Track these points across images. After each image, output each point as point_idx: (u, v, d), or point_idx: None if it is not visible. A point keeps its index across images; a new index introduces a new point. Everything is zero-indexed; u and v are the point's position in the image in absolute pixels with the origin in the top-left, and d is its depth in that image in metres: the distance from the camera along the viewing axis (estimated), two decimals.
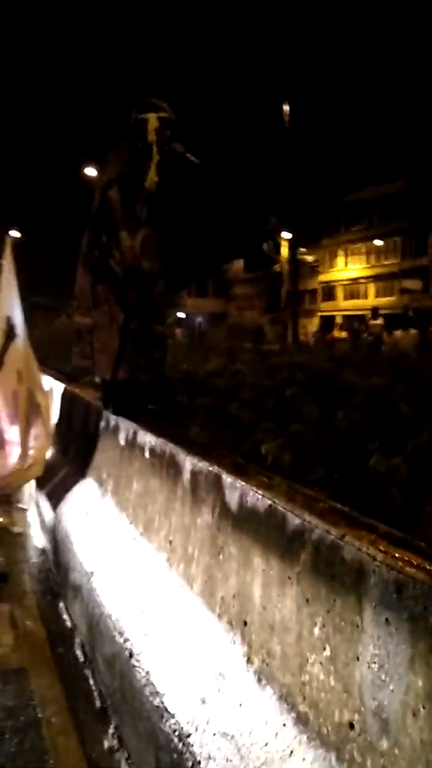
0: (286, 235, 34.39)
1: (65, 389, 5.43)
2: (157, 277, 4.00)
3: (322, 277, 45.61)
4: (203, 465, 2.52)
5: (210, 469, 2.46)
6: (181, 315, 47.34)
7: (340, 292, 45.06)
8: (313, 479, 3.47)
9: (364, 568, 1.54)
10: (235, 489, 2.24)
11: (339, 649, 1.62)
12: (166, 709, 2.22)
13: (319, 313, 44.05)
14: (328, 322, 40.19)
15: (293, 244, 32.73)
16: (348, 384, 5.29)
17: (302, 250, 38.29)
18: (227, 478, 2.31)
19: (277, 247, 38.96)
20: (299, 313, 32.63)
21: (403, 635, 1.40)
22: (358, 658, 1.54)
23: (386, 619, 1.46)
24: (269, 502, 2.01)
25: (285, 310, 33.22)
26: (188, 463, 2.68)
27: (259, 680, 1.96)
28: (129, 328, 3.81)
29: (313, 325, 40.63)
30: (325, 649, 1.67)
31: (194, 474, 2.61)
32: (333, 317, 42.04)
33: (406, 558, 1.48)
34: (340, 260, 45.49)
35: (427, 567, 1.42)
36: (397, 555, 1.50)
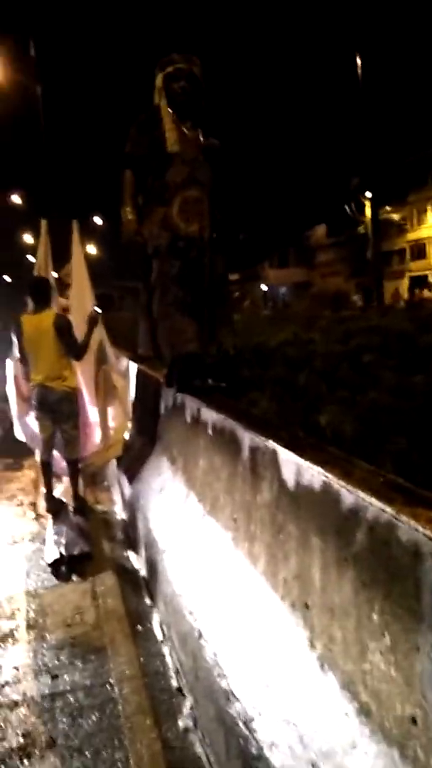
0: (369, 194, 33.00)
1: (138, 369, 5.45)
2: (206, 241, 3.84)
3: (411, 236, 43.46)
4: (260, 440, 2.41)
5: (266, 444, 2.34)
6: (263, 287, 46.90)
7: (431, 250, 42.82)
8: (392, 450, 3.27)
9: (420, 550, 1.39)
10: (291, 465, 2.12)
11: (398, 637, 1.48)
12: (232, 693, 2.16)
13: (409, 274, 42.12)
14: (418, 282, 38.37)
15: (375, 203, 31.33)
16: (429, 346, 4.95)
17: (387, 208, 36.62)
18: (283, 454, 2.19)
19: (361, 207, 37.45)
20: (386, 275, 31.36)
21: None
22: (418, 649, 1.40)
23: None
24: (323, 478, 1.87)
25: (371, 274, 32.06)
26: (247, 438, 2.57)
27: (322, 666, 1.85)
28: (176, 301, 3.74)
29: (403, 287, 38.95)
30: (384, 636, 1.54)
31: (252, 450, 2.51)
32: (425, 277, 40.06)
33: None
34: (430, 215, 43.13)
35: None
36: None
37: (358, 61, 25.75)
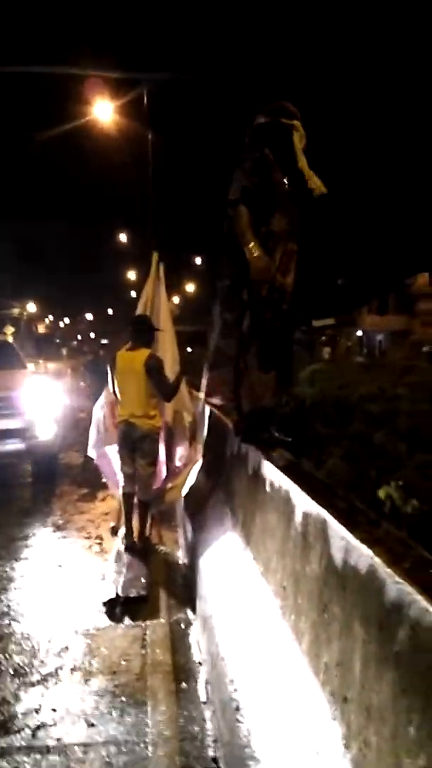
0: None
1: (212, 412, 5.42)
2: (290, 296, 3.72)
3: None
4: (313, 507, 2.27)
5: (318, 512, 2.19)
6: (359, 333, 46.12)
7: None
8: None
9: None
10: (340, 539, 1.96)
11: None
12: None
13: None
14: None
15: None
16: None
17: None
18: (333, 526, 2.04)
19: None
20: None
21: None
22: None
23: None
24: (370, 560, 1.71)
25: None
26: (300, 502, 2.43)
27: None
28: (262, 351, 3.63)
29: None
30: (419, 756, 1.35)
31: (305, 516, 2.36)
32: None
33: None
34: None
35: None
36: None
37: None
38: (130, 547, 4.99)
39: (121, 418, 5.06)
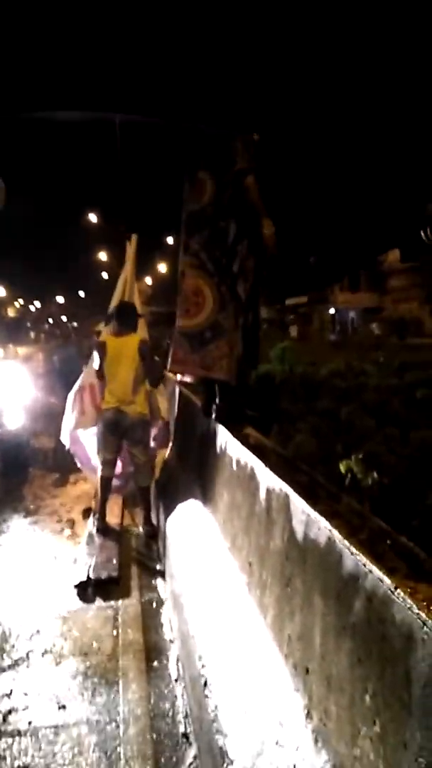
0: None
1: (180, 392, 5.38)
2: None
3: None
4: (276, 482, 2.26)
5: (281, 487, 2.19)
6: (332, 311, 46.31)
7: None
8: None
9: (413, 635, 1.22)
10: (301, 514, 1.96)
11: (388, 727, 1.31)
12: (227, 753, 2.01)
13: None
14: None
15: None
16: None
17: None
18: (295, 500, 2.04)
19: None
20: None
21: None
22: (405, 746, 1.22)
23: None
24: (328, 533, 1.71)
25: None
26: (264, 478, 2.43)
27: (316, 741, 1.68)
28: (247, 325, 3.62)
29: None
30: (375, 723, 1.36)
31: (268, 492, 2.36)
32: None
33: None
34: None
35: None
36: None
37: None
38: (102, 530, 4.98)
39: (110, 405, 5.02)
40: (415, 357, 6.18)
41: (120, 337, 5.11)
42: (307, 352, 9.70)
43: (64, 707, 2.98)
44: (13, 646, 3.51)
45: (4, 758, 2.66)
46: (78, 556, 4.70)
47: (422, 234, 38.42)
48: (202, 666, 2.54)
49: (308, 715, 1.76)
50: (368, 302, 43.67)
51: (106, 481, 5.16)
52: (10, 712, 2.95)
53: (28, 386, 8.20)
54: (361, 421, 4.10)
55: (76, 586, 4.16)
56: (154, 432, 5.44)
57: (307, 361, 7.45)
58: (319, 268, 47.28)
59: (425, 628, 1.17)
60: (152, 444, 5.40)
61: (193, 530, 3.73)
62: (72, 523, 5.57)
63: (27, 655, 3.42)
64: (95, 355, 5.25)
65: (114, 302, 5.69)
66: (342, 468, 2.38)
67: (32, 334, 21.89)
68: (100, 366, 5.12)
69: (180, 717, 2.88)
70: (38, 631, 3.66)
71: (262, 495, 2.44)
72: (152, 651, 3.46)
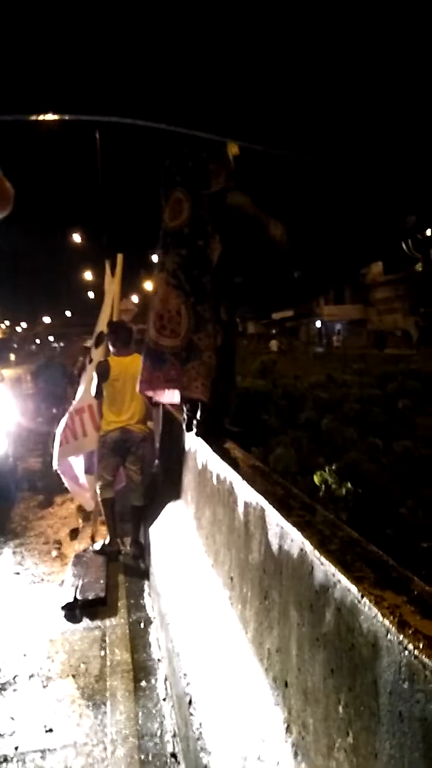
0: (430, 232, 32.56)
1: (165, 409, 5.39)
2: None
3: None
4: (253, 495, 2.28)
5: (257, 501, 2.21)
6: (318, 324, 46.59)
7: None
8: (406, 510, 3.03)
9: (378, 643, 1.23)
10: (276, 526, 1.98)
11: (360, 738, 1.31)
12: None
13: None
14: None
15: None
16: None
17: None
18: (270, 513, 2.05)
19: (418, 245, 36.91)
20: None
21: (416, 740, 1.08)
22: (375, 756, 1.23)
23: (400, 713, 1.14)
24: (300, 545, 1.73)
25: None
26: (242, 492, 2.44)
27: (296, 755, 1.68)
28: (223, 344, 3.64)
29: None
30: (348, 734, 1.37)
31: (246, 505, 2.38)
32: None
33: (429, 633, 1.15)
34: None
35: None
36: (419, 628, 1.17)
37: None
38: (109, 552, 4.97)
39: (115, 426, 5.05)
40: (394, 368, 6.22)
41: (121, 356, 5.17)
42: (291, 366, 9.76)
43: (51, 730, 2.95)
44: (0, 670, 3.48)
45: None
46: (65, 577, 4.67)
47: (404, 246, 38.85)
48: (187, 684, 2.53)
49: (288, 729, 1.76)
50: (353, 314, 43.98)
51: (110, 502, 5.16)
52: None
53: (11, 409, 8.15)
54: (343, 431, 4.13)
55: (63, 608, 4.14)
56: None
57: (291, 374, 7.50)
58: (304, 282, 47.58)
59: (389, 635, 1.19)
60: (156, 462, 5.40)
61: (177, 548, 3.72)
62: (59, 544, 5.54)
63: (14, 678, 3.39)
64: (94, 375, 5.24)
65: (101, 323, 5.71)
66: (316, 479, 2.40)
67: (12, 356, 21.65)
68: (100, 386, 5.14)
69: (168, 736, 2.86)
70: (25, 654, 3.63)
71: (241, 509, 2.45)
72: (140, 671, 3.44)
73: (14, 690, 3.29)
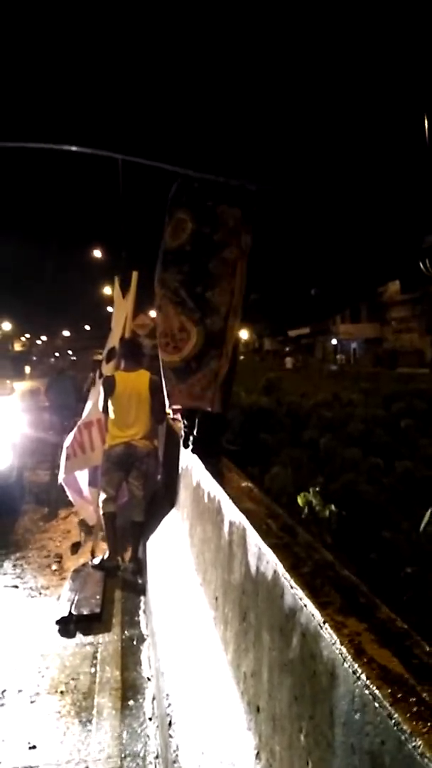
0: None
1: (168, 426, 5.39)
2: None
3: None
4: (236, 514, 2.25)
5: (240, 520, 2.18)
6: (333, 342, 46.45)
7: None
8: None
9: (335, 671, 1.20)
10: (254, 546, 1.95)
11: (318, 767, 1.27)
12: None
13: None
14: None
15: None
16: None
17: None
18: (250, 532, 2.02)
19: None
20: None
21: None
22: None
23: (352, 745, 1.11)
24: (274, 567, 1.70)
25: None
26: (228, 511, 2.42)
27: None
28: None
29: None
30: (308, 764, 1.33)
31: (231, 524, 2.35)
32: None
33: (384, 662, 1.12)
34: None
35: (407, 678, 1.06)
36: (374, 657, 1.14)
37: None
38: (108, 567, 4.93)
39: (119, 440, 5.06)
40: (403, 387, 6.16)
41: (129, 372, 5.20)
42: (303, 383, 9.71)
43: (34, 747, 2.91)
44: None
45: None
46: (62, 591, 4.65)
47: (421, 266, 38.64)
48: (168, 705, 2.49)
49: (257, 756, 1.72)
50: (369, 333, 43.81)
51: (112, 517, 5.14)
52: None
53: (20, 422, 8.18)
54: (344, 450, 4.09)
55: (57, 622, 4.11)
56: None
57: (301, 391, 7.46)
58: (321, 300, 47.57)
59: (345, 664, 1.15)
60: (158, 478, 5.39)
61: (171, 565, 3.69)
62: (60, 558, 5.52)
63: (2, 693, 3.36)
64: (101, 389, 5.28)
65: (113, 339, 5.76)
66: (300, 501, 2.36)
67: (27, 369, 21.78)
68: (106, 400, 5.16)
69: (150, 758, 2.81)
70: (15, 668, 3.60)
71: (226, 528, 2.43)
72: (129, 689, 3.39)
73: (1, 705, 3.27)
